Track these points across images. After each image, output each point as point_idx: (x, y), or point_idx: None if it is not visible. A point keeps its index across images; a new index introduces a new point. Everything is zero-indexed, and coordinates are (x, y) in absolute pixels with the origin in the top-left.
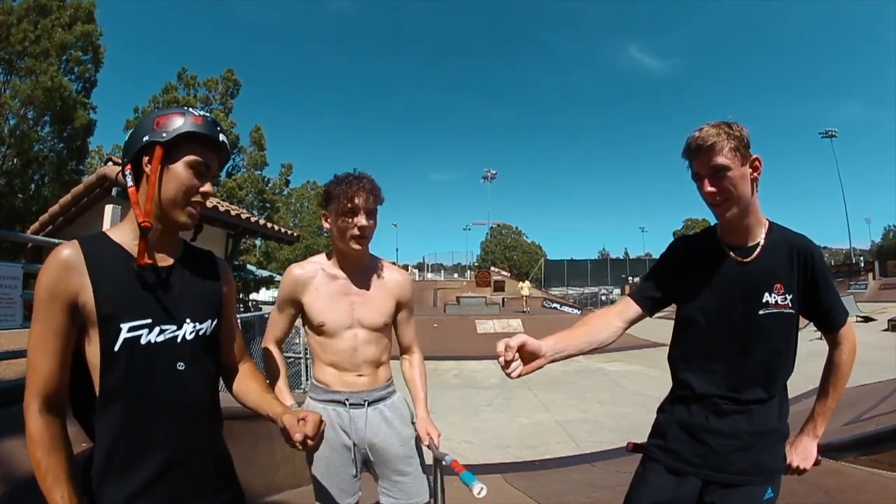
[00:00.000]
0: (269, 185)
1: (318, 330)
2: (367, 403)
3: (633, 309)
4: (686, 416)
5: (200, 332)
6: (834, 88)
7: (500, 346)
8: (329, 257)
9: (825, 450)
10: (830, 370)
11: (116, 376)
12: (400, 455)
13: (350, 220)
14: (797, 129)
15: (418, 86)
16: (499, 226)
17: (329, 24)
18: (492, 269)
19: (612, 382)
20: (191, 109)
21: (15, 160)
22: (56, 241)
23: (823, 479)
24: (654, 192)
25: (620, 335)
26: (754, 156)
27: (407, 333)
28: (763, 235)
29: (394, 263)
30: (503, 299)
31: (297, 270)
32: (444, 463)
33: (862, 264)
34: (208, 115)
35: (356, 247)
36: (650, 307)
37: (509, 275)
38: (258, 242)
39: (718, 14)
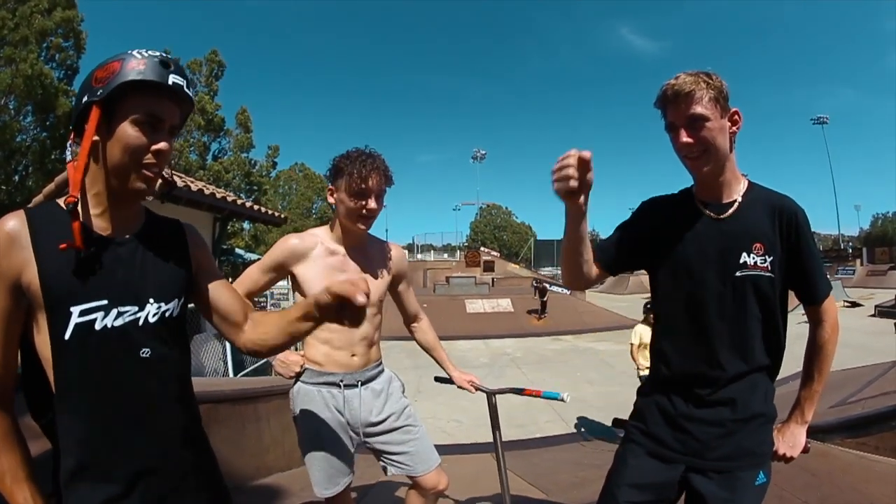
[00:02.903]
0: (256, 167)
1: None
2: (360, 384)
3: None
4: (667, 403)
5: (167, 314)
6: (827, 75)
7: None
8: (330, 230)
9: (813, 432)
10: (814, 351)
11: (70, 369)
12: (400, 426)
13: (360, 202)
14: (789, 115)
15: (406, 66)
16: (488, 206)
17: (316, 6)
18: (481, 249)
19: (601, 362)
20: (134, 53)
21: None
22: None
23: (810, 461)
24: (643, 173)
25: (589, 286)
26: (733, 108)
27: (410, 302)
28: (741, 192)
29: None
30: (492, 279)
31: (294, 240)
32: (496, 397)
33: (850, 251)
34: (155, 54)
35: (362, 227)
36: (608, 266)
37: (499, 255)
38: (246, 226)
39: None
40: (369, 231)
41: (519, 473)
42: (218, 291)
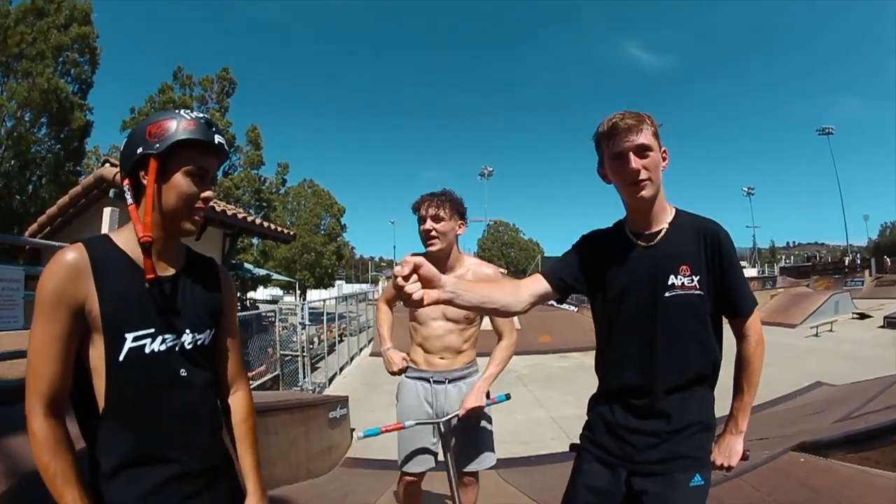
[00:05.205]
0: (266, 184)
1: (412, 316)
2: (447, 381)
3: (543, 286)
4: (608, 414)
5: (198, 342)
6: (831, 85)
7: (397, 268)
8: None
9: (814, 447)
10: (742, 365)
11: (122, 384)
12: (473, 425)
13: (421, 226)
14: (794, 126)
15: (415, 83)
16: (496, 223)
17: (324, 21)
18: None
19: None
20: (182, 113)
21: (12, 162)
22: (55, 243)
23: (811, 477)
24: None
25: (525, 310)
26: (664, 147)
27: (496, 322)
28: (668, 221)
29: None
30: None
31: (406, 259)
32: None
33: (858, 261)
34: (201, 116)
35: (429, 248)
36: (562, 289)
37: (506, 272)
38: (255, 241)
39: (716, 9)
40: (465, 252)
41: (522, 490)
42: (223, 343)
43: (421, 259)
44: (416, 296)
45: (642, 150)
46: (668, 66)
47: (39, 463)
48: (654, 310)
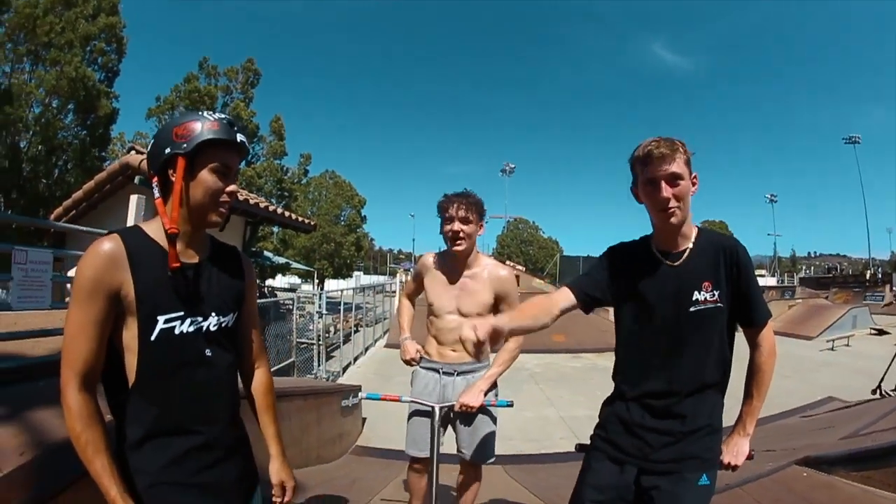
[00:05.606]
0: (288, 174)
1: (429, 309)
2: (456, 373)
3: (571, 301)
4: (625, 413)
5: (223, 324)
6: (860, 94)
7: (468, 332)
8: (445, 254)
9: (818, 463)
10: (753, 372)
11: (153, 362)
12: (479, 417)
13: (447, 227)
14: (820, 134)
15: (438, 78)
16: (516, 220)
17: (349, 16)
18: (507, 262)
19: None
20: (205, 115)
21: (40, 147)
22: (81, 228)
23: (813, 492)
24: None
25: (553, 322)
26: (695, 173)
27: None
28: (692, 241)
29: (500, 260)
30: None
31: (427, 257)
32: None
33: (879, 275)
34: (223, 117)
35: (455, 248)
36: (587, 304)
37: (524, 269)
38: (275, 230)
39: (745, 12)
40: (483, 253)
41: (526, 486)
42: (245, 326)
43: (491, 323)
44: (483, 356)
45: (673, 179)
46: (695, 68)
47: (72, 433)
48: (680, 323)
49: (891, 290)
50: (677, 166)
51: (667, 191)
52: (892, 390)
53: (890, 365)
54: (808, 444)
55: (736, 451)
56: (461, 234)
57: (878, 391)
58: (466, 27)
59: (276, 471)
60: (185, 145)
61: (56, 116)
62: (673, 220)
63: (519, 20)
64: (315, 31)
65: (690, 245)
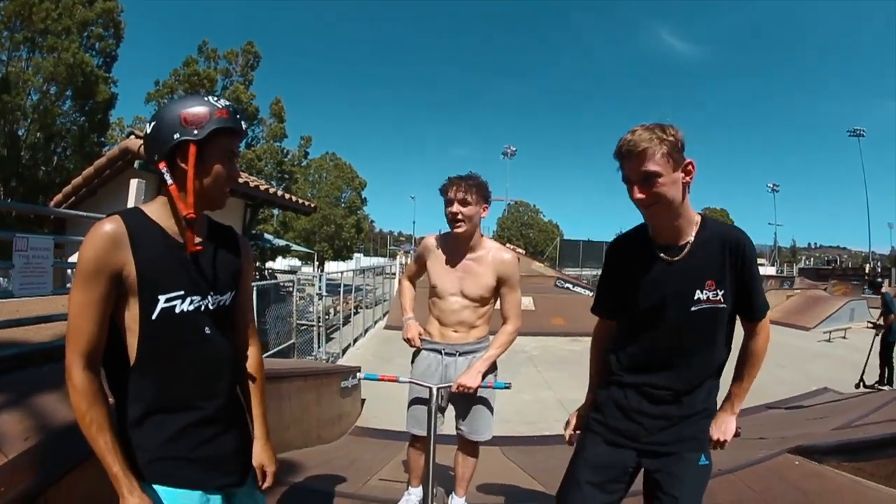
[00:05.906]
0: (288, 156)
1: (432, 291)
2: (458, 353)
3: (608, 326)
4: (622, 399)
5: (221, 303)
6: (866, 86)
7: (568, 434)
8: (446, 237)
9: (810, 452)
10: (747, 356)
11: (154, 340)
12: (477, 396)
13: (448, 209)
14: (825, 125)
15: (441, 60)
16: (516, 203)
17: None
18: (507, 245)
19: None
20: (212, 101)
21: (38, 134)
22: (81, 213)
23: (804, 481)
24: None
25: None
26: (688, 160)
27: (504, 306)
28: (693, 234)
29: (507, 246)
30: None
31: (430, 239)
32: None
33: (878, 269)
34: (229, 105)
35: (455, 230)
36: (616, 314)
37: (524, 252)
38: (276, 212)
39: (754, 2)
40: (487, 237)
41: (522, 466)
42: (240, 305)
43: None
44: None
45: (647, 179)
46: (702, 56)
47: (78, 412)
48: (681, 322)
49: (889, 284)
50: (653, 163)
51: (638, 192)
52: (873, 384)
53: (868, 358)
54: (800, 434)
55: (724, 428)
56: (460, 216)
57: (860, 385)
58: (470, 9)
59: (257, 453)
60: (196, 132)
61: (54, 103)
62: (654, 219)
63: (525, 3)
64: (316, 13)
65: (691, 238)
